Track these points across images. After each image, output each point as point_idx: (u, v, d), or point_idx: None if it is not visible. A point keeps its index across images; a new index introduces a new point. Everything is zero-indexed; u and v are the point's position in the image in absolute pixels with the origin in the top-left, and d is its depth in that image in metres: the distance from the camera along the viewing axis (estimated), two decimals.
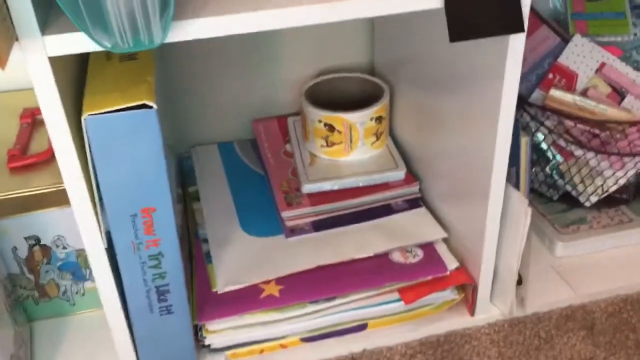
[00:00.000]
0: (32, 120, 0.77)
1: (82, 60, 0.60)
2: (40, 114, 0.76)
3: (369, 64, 0.95)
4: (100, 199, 0.55)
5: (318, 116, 0.82)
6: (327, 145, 0.84)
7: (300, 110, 0.92)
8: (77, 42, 0.46)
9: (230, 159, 0.91)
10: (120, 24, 0.43)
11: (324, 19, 0.51)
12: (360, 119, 0.82)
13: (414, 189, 0.82)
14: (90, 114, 0.50)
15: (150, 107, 0.51)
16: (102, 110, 0.50)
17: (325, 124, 0.82)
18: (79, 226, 0.55)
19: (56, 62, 0.48)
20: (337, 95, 0.89)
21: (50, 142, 0.71)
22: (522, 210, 0.66)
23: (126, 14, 0.43)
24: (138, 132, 0.52)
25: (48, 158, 0.71)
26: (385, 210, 0.80)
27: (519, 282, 0.74)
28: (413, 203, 0.81)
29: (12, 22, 0.45)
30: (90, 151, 0.52)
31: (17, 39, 0.45)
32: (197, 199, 0.84)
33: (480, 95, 0.63)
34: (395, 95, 0.87)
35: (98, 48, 0.45)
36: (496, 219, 0.68)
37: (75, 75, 0.57)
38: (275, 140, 0.91)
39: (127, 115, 0.51)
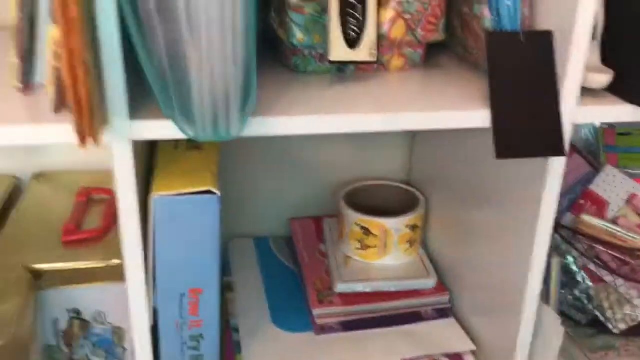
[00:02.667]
0: (87, 199, 0.81)
1: (150, 146, 0.65)
2: (96, 193, 0.82)
3: (406, 173, 0.99)
4: (154, 276, 0.58)
5: (355, 219, 0.86)
6: (362, 248, 0.87)
7: (336, 212, 0.96)
8: (160, 129, 0.51)
9: (265, 254, 0.94)
10: (204, 115, 0.48)
11: (381, 128, 0.55)
12: (395, 225, 0.85)
13: (444, 298, 0.83)
14: (159, 195, 0.54)
15: (214, 194, 0.55)
16: (170, 193, 0.54)
17: (362, 227, 0.86)
18: (130, 301, 0.57)
19: (135, 145, 0.53)
20: (374, 201, 0.93)
21: (104, 221, 0.76)
22: (555, 329, 0.67)
23: (210, 107, 0.48)
24: (200, 216, 0.55)
25: (99, 235, 0.74)
26: (415, 317, 0.81)
27: None
28: (442, 313, 0.82)
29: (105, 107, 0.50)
30: (154, 230, 0.55)
31: (106, 123, 0.50)
32: (231, 290, 0.86)
33: (517, 213, 0.67)
34: (430, 206, 0.90)
35: (180, 135, 0.50)
36: (528, 336, 0.68)
37: (144, 159, 0.61)
38: (311, 240, 0.94)
39: (192, 199, 0.55)
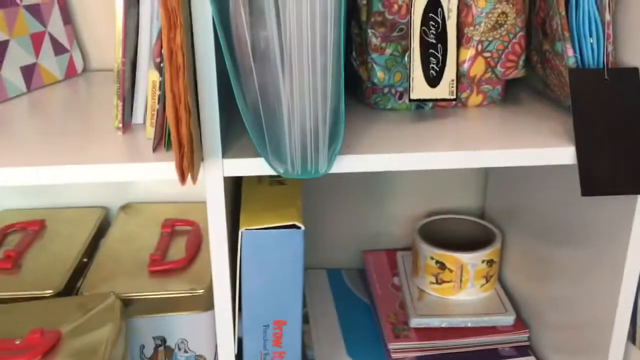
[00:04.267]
0: (172, 230, 0.85)
1: (235, 181, 0.68)
2: (180, 224, 0.86)
3: (480, 207, 0.99)
4: (239, 307, 0.60)
5: (431, 253, 0.86)
6: (437, 283, 0.86)
7: (410, 246, 0.96)
8: (250, 166, 0.54)
9: (338, 286, 0.95)
10: (294, 154, 0.50)
11: (460, 166, 0.56)
12: (471, 260, 0.84)
13: (523, 336, 0.82)
14: (247, 229, 0.57)
15: (299, 228, 0.57)
16: (257, 227, 0.57)
17: (437, 262, 0.85)
18: (217, 330, 0.59)
19: (225, 181, 0.56)
20: (448, 235, 0.93)
21: (187, 251, 0.79)
22: None
23: (300, 146, 0.50)
24: (285, 249, 0.57)
25: (184, 265, 0.77)
26: (492, 354, 0.80)
27: None
28: (522, 351, 0.80)
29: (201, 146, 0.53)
30: (241, 262, 0.58)
31: (202, 160, 0.53)
32: (306, 321, 0.87)
33: (603, 252, 0.65)
34: (505, 241, 0.89)
35: (270, 172, 0.52)
36: None
37: (231, 193, 0.64)
38: (384, 272, 0.95)
39: (279, 232, 0.57)
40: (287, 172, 0.51)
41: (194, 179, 0.49)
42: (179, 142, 0.46)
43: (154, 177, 0.53)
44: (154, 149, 0.55)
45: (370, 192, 0.97)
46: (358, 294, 0.93)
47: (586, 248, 0.68)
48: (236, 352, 0.61)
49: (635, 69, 0.56)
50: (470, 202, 0.99)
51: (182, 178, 0.48)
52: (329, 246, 1.00)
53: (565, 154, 0.56)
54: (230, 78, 0.49)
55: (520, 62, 0.65)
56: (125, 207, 0.92)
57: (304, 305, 0.90)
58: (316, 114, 0.49)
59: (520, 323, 0.83)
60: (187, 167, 0.47)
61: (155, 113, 0.54)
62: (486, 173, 0.97)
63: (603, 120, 0.55)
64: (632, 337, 0.72)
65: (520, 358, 0.79)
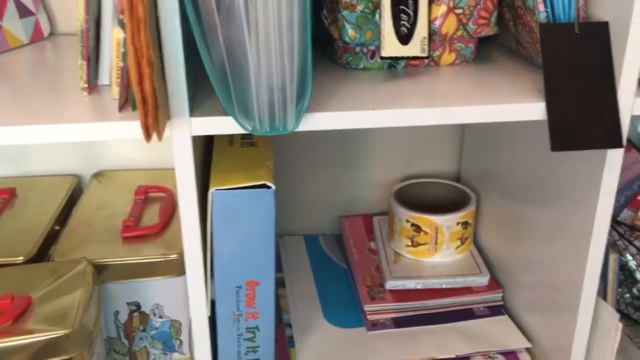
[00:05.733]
0: (145, 197, 0.84)
1: (206, 142, 0.67)
2: (153, 191, 0.85)
3: (456, 171, 0.99)
4: (211, 269, 0.59)
5: (406, 216, 0.86)
6: (413, 245, 0.87)
7: (386, 210, 0.96)
8: (219, 124, 0.53)
9: (315, 251, 0.95)
10: (262, 110, 0.49)
11: (434, 122, 0.56)
12: (447, 223, 0.85)
13: (496, 296, 0.82)
14: (217, 189, 0.56)
15: (270, 188, 0.56)
16: (227, 187, 0.56)
17: (413, 224, 0.86)
18: (189, 293, 0.59)
19: (194, 140, 0.55)
20: (424, 198, 0.93)
21: (161, 217, 0.78)
22: (613, 324, 0.66)
23: (267, 102, 0.49)
24: (256, 209, 0.57)
25: (157, 231, 0.77)
26: (467, 314, 0.81)
27: None
28: (495, 310, 0.81)
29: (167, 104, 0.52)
30: (212, 223, 0.57)
31: (169, 118, 0.52)
32: (283, 286, 0.87)
33: (573, 209, 0.66)
34: (481, 203, 0.90)
35: (238, 130, 0.51)
36: (584, 333, 0.67)
37: (201, 156, 0.63)
38: (360, 237, 0.95)
39: (249, 192, 0.56)
40: (255, 129, 0.50)
41: (160, 137, 0.48)
42: (143, 98, 0.45)
43: (119, 136, 0.52)
44: (120, 109, 0.54)
45: (346, 159, 0.97)
46: (335, 259, 0.94)
47: (557, 208, 0.68)
48: (209, 313, 0.60)
49: (606, 23, 0.56)
50: (446, 166, 0.99)
51: (147, 135, 0.47)
52: (306, 213, 1.00)
53: (536, 110, 0.56)
54: (195, 34, 0.48)
55: (492, 19, 0.64)
56: (97, 175, 0.91)
57: (280, 270, 0.90)
58: (283, 69, 0.48)
59: (494, 283, 0.84)
60: (152, 124, 0.46)
61: (121, 72, 0.53)
62: (461, 137, 0.97)
63: (573, 75, 0.55)
64: (602, 294, 0.73)
65: (494, 317, 0.80)
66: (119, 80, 0.54)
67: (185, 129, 0.53)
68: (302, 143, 0.95)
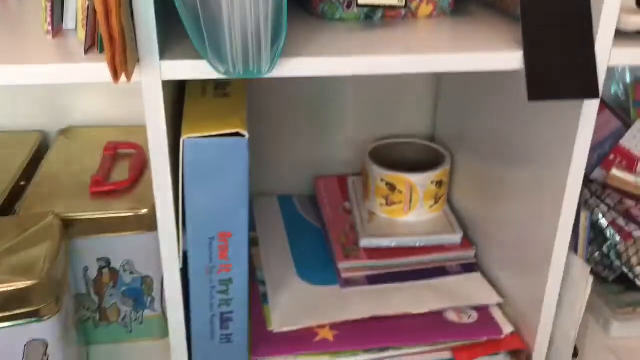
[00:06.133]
0: (114, 153, 0.82)
1: (178, 93, 0.65)
2: (122, 148, 0.83)
3: (431, 129, 0.99)
4: (183, 220, 0.58)
5: (381, 175, 0.85)
6: (387, 204, 0.86)
7: (361, 171, 0.96)
8: (190, 69, 0.51)
9: (289, 211, 0.94)
10: (234, 53, 0.48)
11: (408, 70, 0.55)
12: (421, 181, 0.85)
13: (469, 253, 0.83)
14: (189, 137, 0.54)
15: (243, 136, 0.55)
16: (199, 135, 0.55)
17: (387, 183, 0.85)
18: (161, 244, 0.58)
19: (164, 87, 0.53)
20: (399, 158, 0.92)
21: (130, 173, 0.77)
22: (584, 278, 0.67)
23: (241, 44, 0.48)
24: (229, 158, 0.55)
25: (126, 187, 0.75)
26: (440, 272, 0.81)
27: (575, 354, 0.73)
28: (468, 267, 0.82)
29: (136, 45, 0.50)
30: (183, 172, 0.56)
31: (138, 61, 0.50)
32: (256, 245, 0.86)
33: (546, 167, 0.66)
34: (455, 162, 0.90)
35: (211, 74, 0.50)
36: (556, 288, 0.68)
37: (173, 105, 0.61)
38: (335, 197, 0.94)
39: (221, 141, 0.55)
40: (228, 72, 0.49)
41: (128, 77, 0.46)
42: (110, 35, 0.43)
43: (85, 79, 0.50)
44: (86, 52, 0.51)
45: (320, 119, 0.96)
46: (309, 219, 0.93)
47: (532, 166, 0.68)
48: (181, 265, 0.59)
49: None
50: (421, 126, 0.98)
51: (115, 75, 0.45)
52: (280, 173, 0.98)
53: (513, 59, 0.56)
54: None
55: None
56: (65, 131, 0.88)
57: (254, 229, 0.89)
58: (257, 11, 0.47)
59: (467, 242, 0.84)
60: (120, 63, 0.44)
61: (86, 11, 0.50)
62: (436, 96, 0.96)
63: (551, 24, 0.54)
64: (574, 248, 0.74)
65: (466, 274, 0.80)
66: (84, 21, 0.52)
67: (155, 72, 0.51)
68: (276, 103, 0.93)
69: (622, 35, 0.57)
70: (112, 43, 0.43)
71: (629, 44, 0.57)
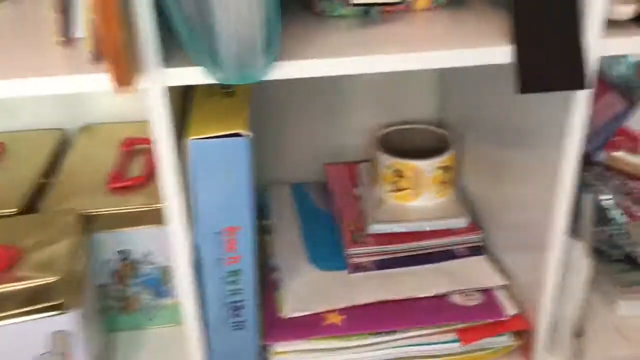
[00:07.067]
0: (131, 148, 0.86)
1: (185, 93, 0.68)
2: (139, 143, 0.86)
3: (438, 116, 1.00)
4: (192, 216, 0.61)
5: (389, 162, 0.88)
6: (395, 190, 0.89)
7: (370, 157, 0.98)
8: (190, 75, 0.54)
9: (301, 199, 0.97)
10: (230, 58, 0.50)
11: (406, 67, 0.57)
12: (428, 167, 0.87)
13: (476, 237, 0.85)
14: (194, 138, 0.58)
15: (243, 136, 0.58)
16: (204, 136, 0.58)
17: (395, 170, 0.87)
18: (171, 240, 0.61)
19: (170, 91, 0.56)
20: (408, 144, 0.94)
21: (147, 168, 0.80)
22: (583, 261, 0.69)
23: (236, 49, 0.50)
24: (232, 157, 0.58)
25: (143, 182, 0.79)
26: (447, 255, 0.83)
27: (580, 334, 0.75)
28: (474, 250, 0.84)
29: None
30: (190, 172, 0.59)
31: (141, 70, 0.53)
32: (270, 232, 0.90)
33: (543, 151, 0.67)
34: (462, 147, 0.91)
35: (209, 80, 0.52)
36: (555, 270, 0.70)
37: (179, 106, 0.64)
38: (345, 184, 0.97)
39: (223, 141, 0.58)
40: (225, 78, 0.51)
41: (132, 90, 0.49)
42: (112, 51, 0.46)
43: (94, 88, 0.53)
44: (94, 61, 0.55)
45: (330, 106, 0.98)
46: (320, 206, 0.96)
47: (531, 150, 0.70)
48: (192, 259, 0.63)
49: None
50: (429, 112, 1.00)
51: (119, 87, 0.48)
52: (293, 161, 1.01)
53: (503, 53, 0.57)
54: None
55: None
56: (84, 129, 0.92)
57: (268, 217, 0.92)
58: (250, 17, 0.49)
59: (474, 225, 0.86)
60: (123, 75, 0.47)
61: (91, 22, 0.53)
62: (443, 82, 0.98)
63: (541, 17, 0.56)
64: (579, 229, 0.75)
65: (473, 257, 0.82)
66: (90, 32, 0.55)
67: (157, 80, 0.54)
68: (286, 93, 0.96)
69: (614, 25, 0.58)
70: (115, 58, 0.46)
71: (620, 34, 0.58)
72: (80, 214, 0.72)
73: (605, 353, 0.76)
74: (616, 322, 0.81)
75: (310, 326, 0.73)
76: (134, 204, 0.75)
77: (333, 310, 0.74)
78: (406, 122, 0.98)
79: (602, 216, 0.85)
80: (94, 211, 0.74)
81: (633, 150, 0.85)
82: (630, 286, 0.84)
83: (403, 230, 0.85)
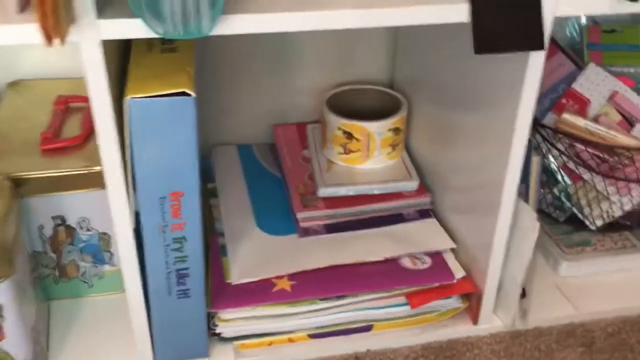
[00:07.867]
0: (65, 107, 0.80)
1: (123, 50, 0.64)
2: (74, 101, 0.81)
3: (389, 77, 0.98)
4: (133, 181, 0.58)
5: (338, 123, 0.85)
6: (345, 153, 0.87)
7: (319, 118, 0.95)
8: (128, 28, 0.50)
9: (249, 161, 0.94)
10: (173, 13, 0.47)
11: (357, 25, 0.54)
12: (378, 129, 0.85)
13: (425, 200, 0.84)
14: (133, 97, 0.53)
15: (189, 95, 0.54)
16: (144, 95, 0.54)
17: (345, 132, 0.85)
18: (111, 206, 0.58)
19: (105, 47, 0.52)
20: (357, 105, 0.92)
21: (83, 128, 0.75)
22: (531, 224, 0.69)
23: (180, 3, 0.46)
24: (176, 118, 0.55)
25: (79, 143, 0.74)
26: (397, 218, 0.83)
27: (523, 295, 0.76)
28: (424, 213, 0.83)
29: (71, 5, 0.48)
30: (130, 133, 0.55)
31: (74, 21, 0.49)
32: (215, 196, 0.86)
33: (496, 113, 0.66)
34: (413, 109, 0.90)
35: (150, 34, 0.48)
36: (504, 232, 0.70)
37: (117, 63, 0.60)
38: (294, 146, 0.94)
39: (167, 101, 0.54)
40: (167, 33, 0.48)
41: (62, 40, 0.45)
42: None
43: (20, 41, 0.48)
44: (21, 10, 0.49)
45: (279, 66, 0.94)
46: (268, 167, 0.93)
47: (483, 112, 0.69)
48: (134, 226, 0.60)
49: None
50: (379, 72, 0.98)
51: (48, 40, 0.44)
52: (239, 122, 0.98)
53: (460, 11, 0.55)
54: None
55: None
56: (13, 84, 0.86)
57: (211, 180, 0.89)
58: None
59: (424, 188, 0.85)
60: (53, 26, 0.43)
61: None
62: (394, 43, 0.96)
63: None
64: (525, 195, 0.76)
65: (422, 220, 0.82)
66: None
67: (92, 32, 0.49)
68: (232, 51, 0.92)
69: None
70: (43, 7, 0.42)
71: None
72: (11, 177, 0.67)
73: (548, 314, 0.78)
74: (559, 282, 0.83)
75: (259, 292, 0.71)
76: (69, 166, 0.70)
77: (282, 276, 0.73)
78: (357, 83, 0.96)
79: (548, 178, 0.86)
80: (25, 174, 0.69)
81: (579, 112, 0.85)
82: (573, 247, 0.86)
83: (352, 193, 0.84)
